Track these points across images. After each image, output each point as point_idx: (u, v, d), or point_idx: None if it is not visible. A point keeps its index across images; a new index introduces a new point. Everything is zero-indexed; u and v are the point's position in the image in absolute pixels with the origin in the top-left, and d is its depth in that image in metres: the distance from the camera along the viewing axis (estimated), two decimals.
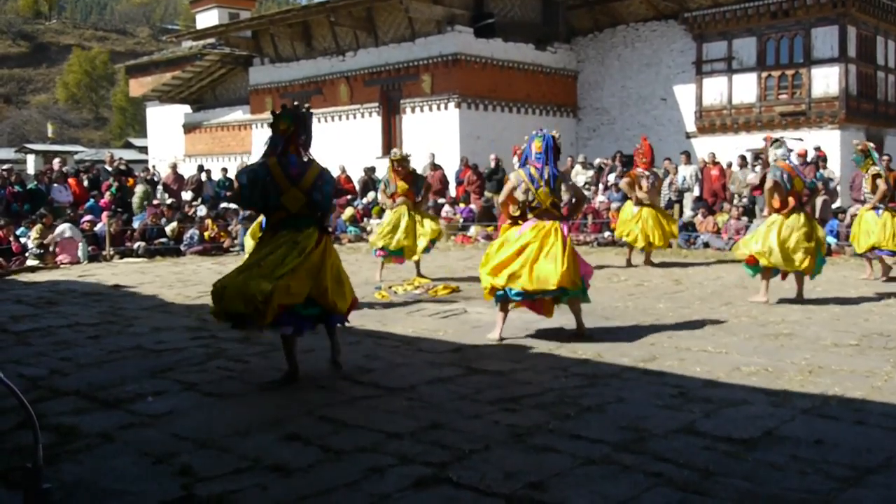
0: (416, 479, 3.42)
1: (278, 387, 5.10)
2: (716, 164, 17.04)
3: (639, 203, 11.60)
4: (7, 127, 49.60)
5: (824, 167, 15.48)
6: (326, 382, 5.21)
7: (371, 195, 18.19)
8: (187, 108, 27.96)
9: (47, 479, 2.84)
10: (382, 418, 4.33)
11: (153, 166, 24.22)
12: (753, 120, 19.18)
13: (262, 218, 8.07)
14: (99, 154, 33.88)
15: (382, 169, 14.77)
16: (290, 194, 5.04)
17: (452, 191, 18.81)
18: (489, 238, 16.09)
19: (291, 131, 5.14)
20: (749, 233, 8.46)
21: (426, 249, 10.14)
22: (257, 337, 6.67)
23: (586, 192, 17.05)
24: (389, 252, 9.96)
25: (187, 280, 11.05)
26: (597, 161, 18.60)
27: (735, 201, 15.68)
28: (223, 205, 16.48)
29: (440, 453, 3.75)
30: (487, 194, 17.68)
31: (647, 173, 11.65)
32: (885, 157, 14.64)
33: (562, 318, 7.33)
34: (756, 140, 18.92)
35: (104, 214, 15.33)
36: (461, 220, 17.21)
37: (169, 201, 17.62)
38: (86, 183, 17.80)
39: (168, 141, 29.24)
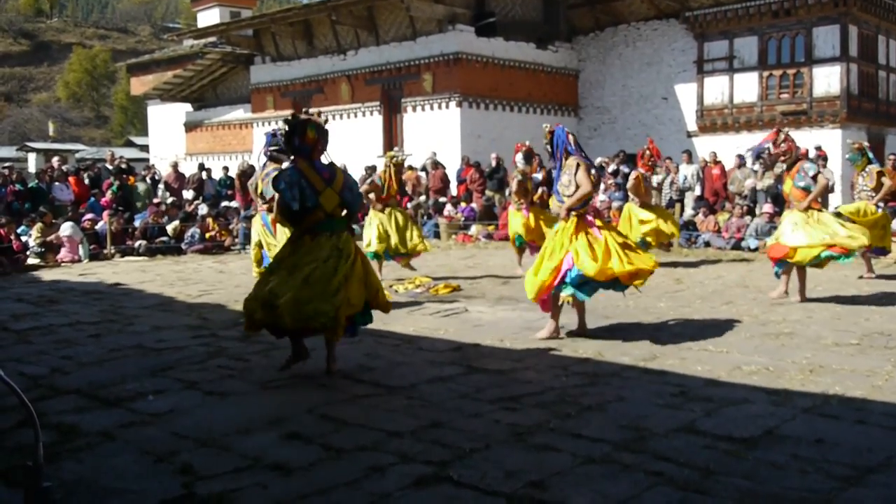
0: (417, 478, 3.42)
1: (289, 366, 5.31)
2: (717, 163, 17.03)
3: (643, 204, 11.60)
4: (8, 125, 49.61)
5: (824, 167, 15.46)
6: (327, 381, 5.21)
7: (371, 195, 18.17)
8: (188, 107, 27.96)
9: (48, 478, 2.84)
10: (383, 417, 4.33)
11: (154, 165, 24.22)
12: (755, 119, 19.17)
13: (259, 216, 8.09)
14: (100, 152, 33.87)
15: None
16: (326, 194, 5.22)
17: (454, 190, 18.80)
18: (490, 237, 16.10)
19: (316, 139, 5.32)
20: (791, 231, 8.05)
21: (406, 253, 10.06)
22: (257, 336, 6.69)
23: None
24: (399, 254, 9.95)
25: (188, 279, 11.06)
26: (598, 160, 18.58)
27: (737, 200, 15.68)
28: (224, 203, 16.50)
29: (441, 452, 3.75)
30: (489, 193, 17.68)
31: (646, 174, 11.67)
32: (892, 156, 14.65)
33: (563, 317, 7.32)
34: (757, 140, 18.91)
35: (105, 213, 15.35)
36: (462, 219, 17.21)
37: (170, 200, 17.63)
38: (87, 181, 17.81)
39: (169, 139, 29.24)
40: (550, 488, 3.30)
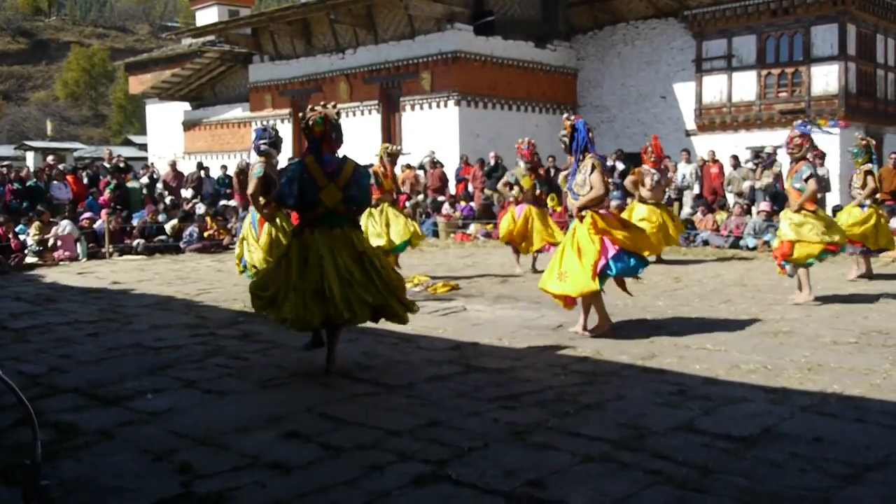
0: (416, 477, 3.42)
1: (308, 350, 5.59)
2: (715, 161, 17.04)
3: (642, 201, 11.58)
4: (6, 124, 49.53)
5: (821, 165, 15.48)
6: (326, 380, 5.21)
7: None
8: (187, 106, 27.93)
9: (46, 476, 2.84)
10: (382, 416, 4.33)
11: (152, 163, 24.20)
12: (753, 118, 19.18)
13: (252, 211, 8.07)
14: (98, 151, 33.82)
15: None
16: (327, 190, 5.21)
17: (452, 189, 18.80)
18: (488, 236, 16.10)
19: (325, 132, 5.35)
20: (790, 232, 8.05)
21: (400, 248, 10.05)
22: (256, 335, 6.69)
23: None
24: (392, 250, 9.91)
25: (186, 277, 11.05)
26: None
27: (736, 199, 15.70)
28: (222, 202, 16.49)
29: (439, 451, 3.75)
30: (487, 192, 17.68)
31: (653, 171, 11.61)
32: (894, 155, 14.64)
33: (560, 316, 7.33)
34: (755, 138, 18.96)
35: (103, 212, 15.34)
36: (461, 218, 17.21)
37: (168, 199, 17.62)
38: (85, 180, 17.80)
39: (167, 138, 29.22)
40: (549, 487, 3.30)
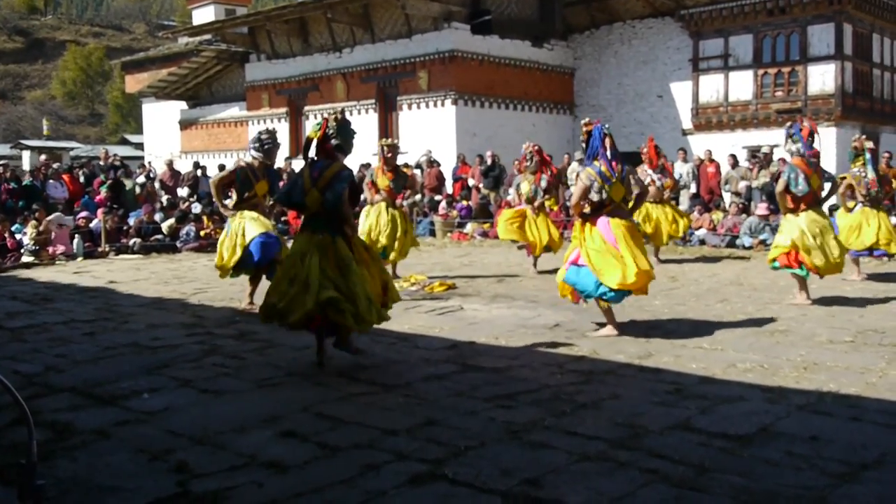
0: (412, 476, 3.42)
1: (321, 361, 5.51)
2: (712, 161, 17.06)
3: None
4: (2, 123, 49.41)
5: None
6: (322, 379, 5.21)
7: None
8: (183, 105, 27.90)
9: (42, 476, 2.83)
10: (378, 415, 4.33)
11: (149, 163, 24.17)
12: (750, 117, 19.21)
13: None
14: (94, 150, 33.73)
15: None
16: (311, 194, 5.34)
17: (449, 188, 18.79)
18: (485, 235, 16.10)
19: (320, 137, 5.46)
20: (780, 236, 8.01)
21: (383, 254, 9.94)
22: (253, 334, 6.68)
23: None
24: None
25: (183, 277, 11.03)
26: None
27: (733, 198, 15.72)
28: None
29: (436, 450, 3.75)
30: (484, 191, 17.68)
31: (649, 171, 11.64)
32: (887, 154, 14.65)
33: (558, 315, 7.33)
34: (752, 137, 19.00)
35: (100, 211, 15.31)
36: (458, 218, 17.20)
37: (165, 198, 17.60)
38: (81, 179, 17.76)
39: (164, 137, 29.18)
40: (545, 486, 3.30)
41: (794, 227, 7.73)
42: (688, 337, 6.35)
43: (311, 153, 5.52)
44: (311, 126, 5.57)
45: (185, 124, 27.69)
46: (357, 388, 4.96)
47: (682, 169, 17.03)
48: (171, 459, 3.67)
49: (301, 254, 5.31)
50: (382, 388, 4.94)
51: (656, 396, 4.63)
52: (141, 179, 19.01)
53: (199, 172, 20.23)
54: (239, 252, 7.56)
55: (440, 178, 18.77)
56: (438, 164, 18.94)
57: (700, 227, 14.83)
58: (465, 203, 17.74)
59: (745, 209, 15.00)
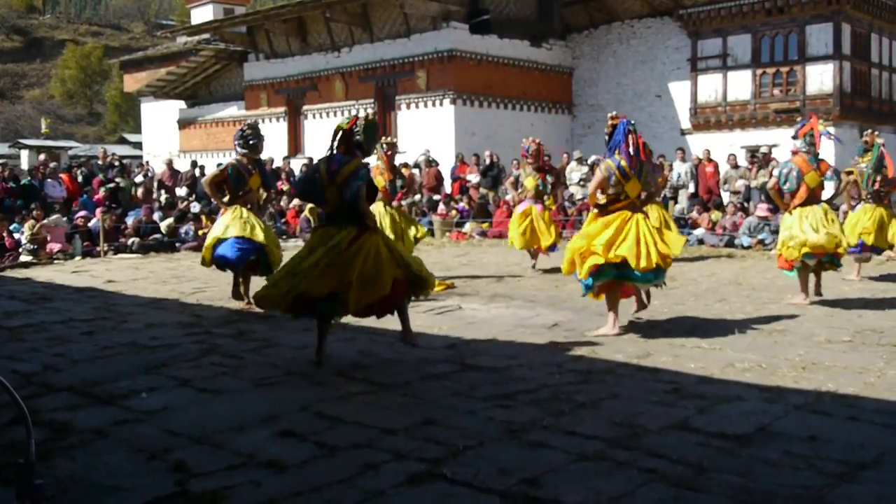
0: (411, 476, 3.42)
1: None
2: (710, 160, 17.07)
3: None
4: (1, 122, 49.38)
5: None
6: (321, 379, 5.21)
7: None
8: (182, 104, 27.89)
9: (40, 475, 2.83)
10: (377, 414, 4.33)
11: (147, 162, 24.15)
12: (748, 117, 19.22)
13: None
14: (93, 150, 33.70)
15: None
16: (329, 191, 5.37)
17: (448, 187, 18.79)
18: (484, 235, 16.11)
19: (345, 132, 5.49)
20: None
21: None
22: (252, 333, 6.68)
23: (581, 189, 17.06)
24: None
25: (181, 276, 11.03)
26: (591, 158, 18.62)
27: (731, 198, 15.73)
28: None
29: (434, 449, 3.75)
30: (483, 190, 17.68)
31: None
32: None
33: (557, 314, 7.34)
34: (750, 137, 19.01)
35: (98, 210, 15.31)
36: (456, 217, 17.20)
37: (164, 197, 17.59)
38: (80, 178, 17.75)
39: (162, 137, 29.17)
40: (544, 485, 3.30)
41: (786, 228, 7.76)
42: (686, 336, 6.35)
43: (334, 145, 5.53)
44: (338, 120, 5.60)
45: (184, 123, 27.68)
46: (355, 387, 4.96)
47: (680, 169, 17.05)
48: (170, 459, 3.67)
49: (310, 248, 5.38)
50: (381, 387, 4.94)
51: (655, 396, 4.63)
52: (139, 179, 19.00)
53: (197, 172, 20.22)
54: (214, 247, 7.72)
55: (439, 178, 18.77)
56: (437, 164, 18.93)
57: (698, 227, 14.84)
58: (466, 205, 17.70)
59: (744, 209, 15.01)
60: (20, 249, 13.34)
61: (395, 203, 9.89)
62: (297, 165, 20.78)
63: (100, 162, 19.15)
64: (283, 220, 17.36)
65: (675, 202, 16.54)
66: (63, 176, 17.24)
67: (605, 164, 6.44)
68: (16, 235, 13.65)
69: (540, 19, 21.74)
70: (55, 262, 13.18)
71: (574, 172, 17.71)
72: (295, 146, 23.33)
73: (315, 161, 5.78)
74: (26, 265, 12.74)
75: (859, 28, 18.95)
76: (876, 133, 10.67)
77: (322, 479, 3.41)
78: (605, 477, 3.39)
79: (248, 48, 24.37)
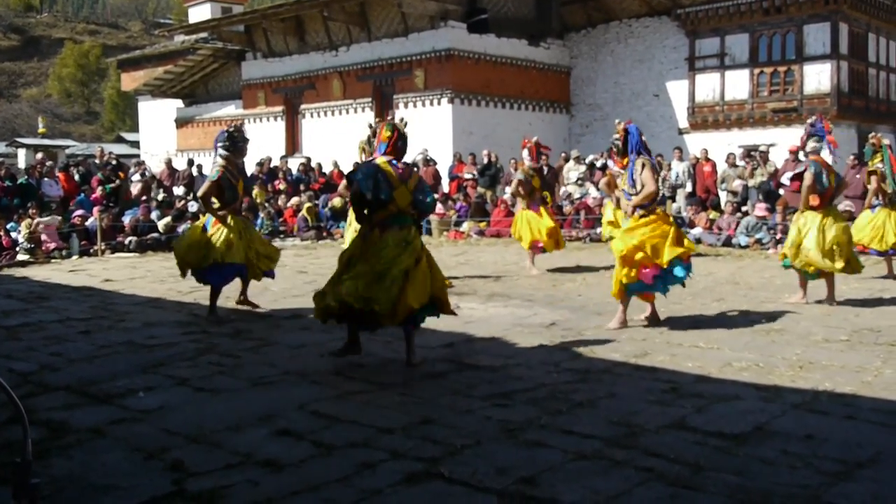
0: (408, 475, 3.42)
1: (342, 355, 5.48)
2: (708, 160, 17.07)
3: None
4: None
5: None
6: (318, 378, 5.21)
7: None
8: (179, 103, 27.85)
9: (37, 475, 2.82)
10: (374, 413, 4.33)
11: (144, 161, 24.12)
12: (745, 116, 19.23)
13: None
14: (90, 148, 33.67)
15: None
16: (400, 191, 5.41)
17: (445, 186, 18.78)
18: (481, 234, 16.10)
19: (392, 138, 5.55)
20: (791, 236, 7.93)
21: None
22: (250, 333, 6.68)
23: (579, 189, 17.07)
24: None
25: (179, 275, 11.00)
26: (589, 157, 18.63)
27: (728, 197, 15.73)
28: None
29: (432, 448, 3.75)
30: (480, 190, 17.67)
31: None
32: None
33: (555, 313, 7.34)
34: (748, 137, 19.02)
35: (95, 209, 15.29)
36: (454, 216, 17.19)
37: (161, 196, 17.56)
38: (77, 177, 17.72)
39: (160, 135, 29.12)
40: (541, 484, 3.30)
41: (812, 228, 7.68)
42: (683, 336, 6.36)
43: (380, 151, 5.55)
44: (374, 123, 5.68)
45: (182, 122, 27.64)
46: (353, 386, 4.96)
47: (678, 168, 17.05)
48: (167, 458, 3.67)
49: (386, 249, 5.32)
50: (378, 386, 4.94)
51: (652, 395, 4.64)
52: (136, 177, 18.97)
53: (194, 171, 20.19)
54: (208, 261, 7.29)
55: (436, 177, 18.75)
56: (434, 163, 18.92)
57: (696, 226, 14.85)
58: (465, 204, 17.67)
59: (741, 208, 15.01)
60: (17, 248, 13.32)
61: None
62: (294, 164, 20.76)
63: (97, 161, 19.10)
64: (280, 220, 17.35)
65: (673, 201, 16.52)
66: (60, 175, 17.20)
67: (649, 162, 6.63)
68: (13, 234, 13.63)
69: (538, 18, 21.74)
70: (52, 261, 13.16)
71: (571, 172, 17.71)
72: (292, 145, 23.31)
73: (358, 162, 5.84)
74: (23, 264, 12.73)
75: (857, 28, 18.96)
76: (880, 135, 10.69)
77: (319, 478, 3.41)
78: (603, 476, 3.39)
79: (246, 47, 24.34)
